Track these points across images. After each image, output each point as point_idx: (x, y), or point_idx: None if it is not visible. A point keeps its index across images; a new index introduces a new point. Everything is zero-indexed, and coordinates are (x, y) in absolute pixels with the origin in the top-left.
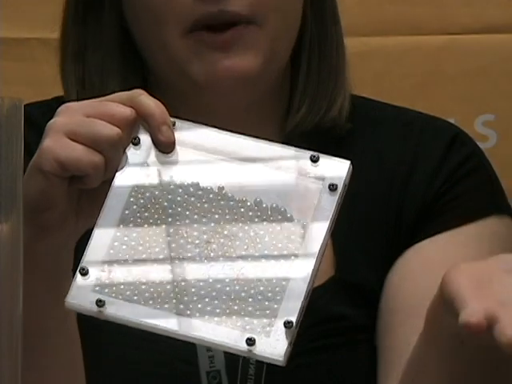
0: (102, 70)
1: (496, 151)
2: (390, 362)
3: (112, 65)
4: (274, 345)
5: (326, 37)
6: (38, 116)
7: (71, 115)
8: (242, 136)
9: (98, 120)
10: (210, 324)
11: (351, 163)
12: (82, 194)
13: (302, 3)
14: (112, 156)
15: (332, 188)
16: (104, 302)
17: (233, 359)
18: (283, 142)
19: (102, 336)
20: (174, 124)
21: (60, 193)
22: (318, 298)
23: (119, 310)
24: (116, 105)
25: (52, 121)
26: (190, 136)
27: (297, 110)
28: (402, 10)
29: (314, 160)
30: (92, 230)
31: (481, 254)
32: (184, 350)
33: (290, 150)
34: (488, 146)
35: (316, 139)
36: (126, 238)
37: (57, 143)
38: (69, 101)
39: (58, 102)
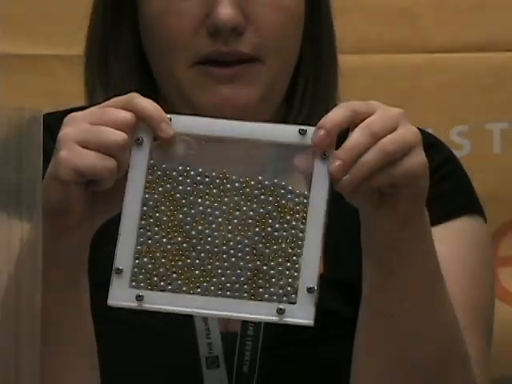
0: (122, 81)
1: (470, 158)
2: None
3: (130, 79)
4: (301, 310)
5: (322, 72)
6: (57, 125)
7: (78, 125)
8: (233, 121)
9: (105, 127)
10: (241, 300)
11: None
12: (96, 195)
13: (300, 43)
14: (122, 158)
15: (324, 157)
16: (142, 296)
17: (230, 346)
18: None
19: (108, 326)
20: (170, 120)
21: (78, 198)
22: None
23: (157, 301)
24: (117, 111)
25: (62, 132)
26: (187, 127)
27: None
28: (384, 30)
29: (303, 133)
30: (108, 230)
31: (456, 251)
32: (185, 338)
33: (279, 127)
34: (462, 154)
35: None
36: (149, 233)
37: (72, 152)
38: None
39: (76, 111)
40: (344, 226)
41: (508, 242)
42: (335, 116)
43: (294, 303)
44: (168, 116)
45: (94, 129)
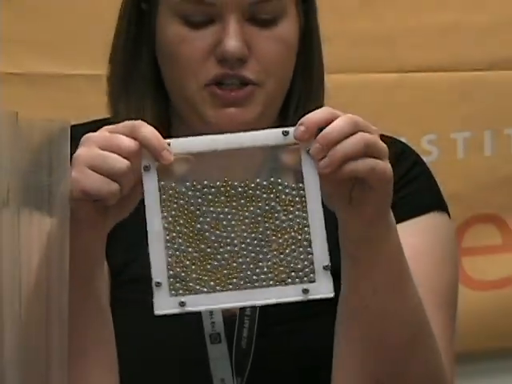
0: (141, 101)
1: (437, 163)
2: None
3: (147, 96)
4: (322, 286)
5: (311, 92)
6: (81, 135)
7: (89, 147)
8: (225, 134)
9: (111, 154)
10: (268, 288)
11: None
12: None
13: (293, 69)
14: (125, 182)
15: (309, 152)
16: (184, 302)
17: (230, 324)
18: None
19: (127, 309)
20: (169, 144)
21: (87, 211)
22: None
23: (197, 303)
24: (123, 139)
25: (76, 153)
26: (186, 148)
27: None
28: (363, 53)
29: (286, 134)
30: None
31: (424, 242)
32: (192, 318)
33: (265, 132)
34: (431, 159)
35: None
36: (175, 246)
37: (81, 175)
38: (114, 122)
39: (98, 123)
40: (328, 223)
41: (470, 235)
42: (314, 115)
43: (313, 281)
44: (167, 141)
45: (102, 155)
